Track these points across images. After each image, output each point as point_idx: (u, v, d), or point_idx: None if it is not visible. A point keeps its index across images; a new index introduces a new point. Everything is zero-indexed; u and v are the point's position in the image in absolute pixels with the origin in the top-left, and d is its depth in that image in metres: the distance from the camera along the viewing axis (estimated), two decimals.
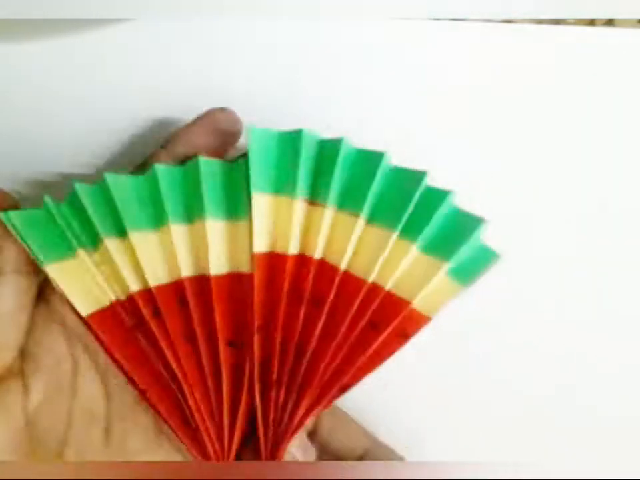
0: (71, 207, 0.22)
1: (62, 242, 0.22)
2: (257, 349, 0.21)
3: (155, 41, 0.27)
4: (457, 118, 0.28)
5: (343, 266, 0.22)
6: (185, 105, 0.27)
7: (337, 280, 0.22)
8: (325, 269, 0.22)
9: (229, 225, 0.22)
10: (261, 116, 0.28)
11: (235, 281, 0.22)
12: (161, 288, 0.21)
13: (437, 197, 0.22)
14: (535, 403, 0.28)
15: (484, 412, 0.28)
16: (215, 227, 0.22)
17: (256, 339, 0.21)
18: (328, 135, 0.28)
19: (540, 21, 0.28)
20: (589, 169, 0.29)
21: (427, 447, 0.27)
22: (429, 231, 0.22)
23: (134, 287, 0.21)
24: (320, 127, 0.28)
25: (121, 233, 0.21)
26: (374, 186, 0.22)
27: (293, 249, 0.22)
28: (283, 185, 0.22)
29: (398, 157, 0.28)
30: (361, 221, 0.22)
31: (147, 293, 0.21)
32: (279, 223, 0.22)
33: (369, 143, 0.28)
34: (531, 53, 0.29)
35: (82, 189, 0.22)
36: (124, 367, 0.22)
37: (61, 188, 0.27)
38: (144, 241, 0.21)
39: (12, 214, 0.21)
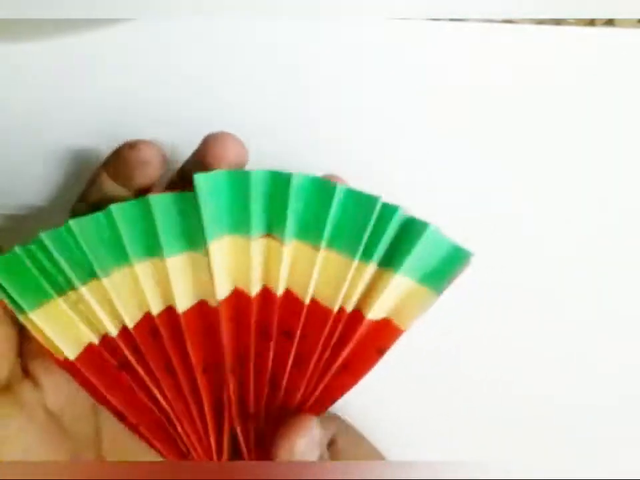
0: (41, 251, 0.22)
1: (38, 286, 0.22)
2: (233, 388, 0.22)
3: (155, 41, 0.27)
4: (457, 118, 0.28)
5: (307, 297, 0.22)
6: (185, 105, 0.27)
7: (304, 311, 0.22)
8: (291, 301, 0.22)
9: (189, 257, 0.22)
10: (261, 115, 0.28)
11: (203, 310, 0.22)
12: (137, 326, 0.22)
13: (388, 213, 0.22)
14: (532, 403, 0.28)
15: (481, 412, 0.28)
16: (175, 262, 0.22)
17: (230, 379, 0.22)
18: (328, 135, 0.28)
19: (540, 21, 0.28)
20: (589, 168, 0.29)
21: (423, 446, 0.27)
22: (383, 247, 0.22)
23: (112, 329, 0.22)
24: (319, 128, 0.28)
25: (92, 275, 0.22)
26: (331, 215, 0.22)
27: (255, 287, 0.22)
28: (237, 224, 0.22)
29: (398, 158, 0.28)
30: (322, 252, 0.22)
31: (125, 332, 0.22)
32: (238, 262, 0.22)
33: (368, 144, 0.28)
34: (531, 54, 0.29)
35: (48, 237, 0.21)
36: (114, 405, 0.22)
37: (60, 188, 0.27)
38: (113, 281, 0.22)
39: None
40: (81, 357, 0.22)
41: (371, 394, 0.28)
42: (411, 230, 0.22)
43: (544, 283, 0.28)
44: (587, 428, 0.28)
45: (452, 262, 0.23)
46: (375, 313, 0.22)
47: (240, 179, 0.22)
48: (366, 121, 0.28)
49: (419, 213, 0.28)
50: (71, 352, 0.22)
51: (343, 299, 0.22)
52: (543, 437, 0.28)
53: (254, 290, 0.22)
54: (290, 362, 0.22)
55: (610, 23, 0.29)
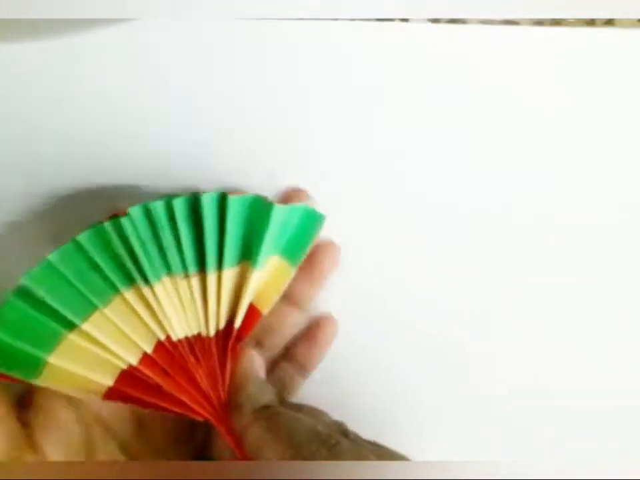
0: (32, 292, 0.22)
1: (46, 328, 0.22)
2: None
3: (155, 41, 0.27)
4: (457, 119, 0.28)
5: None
6: (185, 105, 0.27)
7: None
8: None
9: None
10: (261, 115, 0.28)
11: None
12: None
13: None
14: (532, 405, 0.28)
15: (483, 412, 0.28)
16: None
17: None
18: (330, 136, 0.28)
19: (540, 21, 0.28)
20: (590, 168, 0.29)
21: (426, 446, 0.27)
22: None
23: (132, 359, 0.22)
24: (321, 130, 0.28)
25: (92, 307, 0.22)
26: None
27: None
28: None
29: (397, 157, 0.28)
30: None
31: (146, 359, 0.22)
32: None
33: (369, 144, 0.28)
34: (531, 54, 0.29)
35: (31, 277, 0.22)
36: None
37: (59, 189, 0.27)
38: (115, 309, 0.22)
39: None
40: (118, 381, 0.22)
41: (373, 394, 0.28)
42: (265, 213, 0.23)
43: (545, 282, 0.28)
44: (587, 429, 0.28)
45: (309, 232, 0.24)
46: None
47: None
48: (365, 123, 0.28)
49: (418, 211, 0.28)
50: (107, 380, 0.22)
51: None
52: (543, 437, 0.28)
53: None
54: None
55: (610, 23, 0.29)
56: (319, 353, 0.26)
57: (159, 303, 0.22)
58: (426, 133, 0.28)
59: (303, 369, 0.26)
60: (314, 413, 0.23)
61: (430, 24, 0.28)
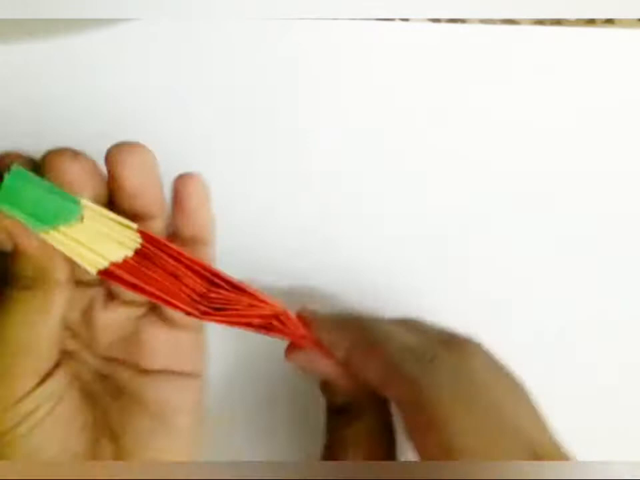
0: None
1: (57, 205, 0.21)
2: None
3: (155, 41, 0.27)
4: (457, 118, 0.28)
5: None
6: (184, 105, 0.27)
7: None
8: None
9: None
10: (261, 115, 0.28)
11: None
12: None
13: None
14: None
15: None
16: None
17: None
18: (329, 136, 0.28)
19: (540, 21, 0.28)
20: (589, 167, 0.29)
21: None
22: None
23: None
24: (320, 129, 0.28)
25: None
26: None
27: None
28: None
29: (397, 156, 0.28)
30: None
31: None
32: None
33: (368, 144, 0.28)
34: (531, 54, 0.29)
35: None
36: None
37: None
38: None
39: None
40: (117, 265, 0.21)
41: None
42: None
43: (542, 279, 0.28)
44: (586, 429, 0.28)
45: None
46: None
47: None
48: (365, 122, 0.28)
49: (418, 209, 0.28)
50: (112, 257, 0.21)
51: None
52: None
53: None
54: None
55: (610, 22, 0.29)
56: (197, 215, 0.23)
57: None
58: (426, 132, 0.28)
59: (200, 242, 0.23)
60: (417, 326, 0.22)
61: (430, 24, 0.28)
